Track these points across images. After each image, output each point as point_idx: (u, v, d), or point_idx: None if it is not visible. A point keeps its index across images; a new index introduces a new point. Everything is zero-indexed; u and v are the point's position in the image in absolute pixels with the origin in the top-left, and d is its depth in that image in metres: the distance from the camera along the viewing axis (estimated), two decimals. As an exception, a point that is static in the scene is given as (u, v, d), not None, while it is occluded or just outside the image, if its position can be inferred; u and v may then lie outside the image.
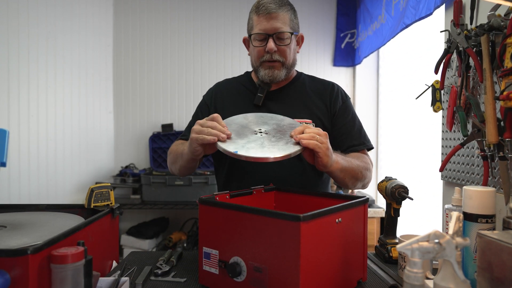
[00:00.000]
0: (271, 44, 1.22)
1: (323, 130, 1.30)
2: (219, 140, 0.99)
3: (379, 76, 3.08)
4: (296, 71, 1.40)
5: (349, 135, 1.29)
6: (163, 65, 3.10)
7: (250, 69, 1.42)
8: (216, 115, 1.04)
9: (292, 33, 1.25)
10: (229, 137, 1.01)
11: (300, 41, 1.33)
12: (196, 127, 1.03)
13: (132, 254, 1.19)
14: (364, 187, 1.27)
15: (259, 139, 1.03)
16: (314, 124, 1.27)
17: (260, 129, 1.08)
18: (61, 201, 2.52)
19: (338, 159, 1.09)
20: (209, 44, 3.11)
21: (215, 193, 0.99)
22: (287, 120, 1.14)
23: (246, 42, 1.34)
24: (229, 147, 0.97)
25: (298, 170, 1.27)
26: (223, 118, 1.32)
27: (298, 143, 0.99)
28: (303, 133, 1.01)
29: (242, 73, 1.46)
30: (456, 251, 0.61)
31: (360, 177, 1.20)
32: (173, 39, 3.09)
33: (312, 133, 0.99)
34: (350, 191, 2.62)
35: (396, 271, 1.02)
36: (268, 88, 1.31)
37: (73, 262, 0.66)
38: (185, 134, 1.37)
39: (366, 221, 0.94)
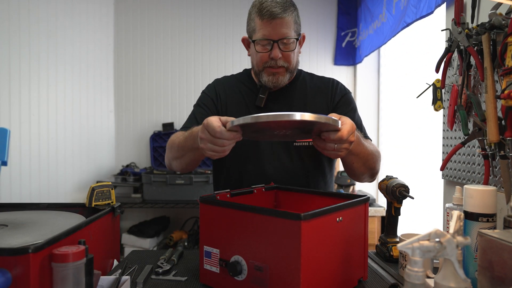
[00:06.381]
0: (276, 51, 1.17)
1: None
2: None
3: (380, 75, 3.08)
4: None
5: None
6: (164, 64, 3.10)
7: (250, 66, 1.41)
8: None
9: (297, 39, 1.20)
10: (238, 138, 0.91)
11: (302, 41, 1.28)
12: (205, 145, 0.92)
13: (133, 253, 1.19)
14: (373, 177, 1.22)
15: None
16: None
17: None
18: (62, 200, 2.53)
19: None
20: (210, 42, 3.11)
21: (215, 192, 0.99)
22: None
23: (246, 42, 1.28)
24: (246, 117, 0.81)
25: (302, 173, 1.26)
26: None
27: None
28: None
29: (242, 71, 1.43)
30: (457, 250, 0.61)
31: (371, 164, 1.15)
32: (173, 38, 3.09)
33: (332, 145, 0.91)
34: (351, 189, 2.62)
35: (397, 270, 1.02)
36: (270, 89, 1.28)
37: (74, 261, 0.67)
38: (186, 126, 1.29)
39: (366, 220, 0.94)
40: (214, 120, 0.88)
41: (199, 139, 0.93)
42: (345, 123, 0.90)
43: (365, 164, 1.14)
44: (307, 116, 0.76)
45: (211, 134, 0.88)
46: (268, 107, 1.29)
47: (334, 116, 0.91)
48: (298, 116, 0.76)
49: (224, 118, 0.90)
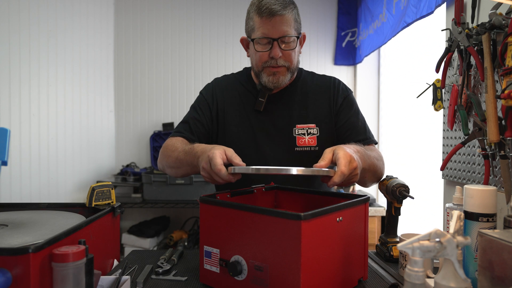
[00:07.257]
0: (277, 50, 1.14)
1: (328, 131, 1.26)
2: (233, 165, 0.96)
3: (380, 75, 3.08)
4: None
5: (354, 130, 1.27)
6: (164, 63, 3.10)
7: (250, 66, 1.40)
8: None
9: (297, 37, 1.18)
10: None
11: (302, 40, 1.26)
12: (205, 174, 1.00)
13: (133, 253, 1.19)
14: (378, 181, 1.23)
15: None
16: (318, 128, 1.26)
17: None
18: (62, 200, 2.53)
19: (359, 163, 1.01)
20: (210, 42, 3.11)
21: (216, 192, 0.99)
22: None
23: (244, 42, 1.26)
24: (247, 167, 0.93)
25: (302, 176, 1.26)
26: (223, 122, 1.28)
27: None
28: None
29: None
30: (457, 250, 0.61)
31: (379, 173, 1.18)
32: (174, 37, 3.09)
33: (340, 178, 0.93)
34: (351, 189, 2.62)
35: (397, 270, 1.02)
36: (270, 92, 1.26)
37: (74, 261, 0.67)
38: (180, 131, 1.28)
39: (367, 219, 0.94)
40: (218, 156, 0.94)
41: (201, 168, 1.00)
42: (339, 159, 0.92)
43: (374, 174, 1.17)
44: (303, 171, 0.88)
45: (212, 168, 0.95)
46: (267, 111, 1.28)
47: (327, 152, 0.96)
48: (295, 171, 0.88)
49: (229, 153, 0.96)
